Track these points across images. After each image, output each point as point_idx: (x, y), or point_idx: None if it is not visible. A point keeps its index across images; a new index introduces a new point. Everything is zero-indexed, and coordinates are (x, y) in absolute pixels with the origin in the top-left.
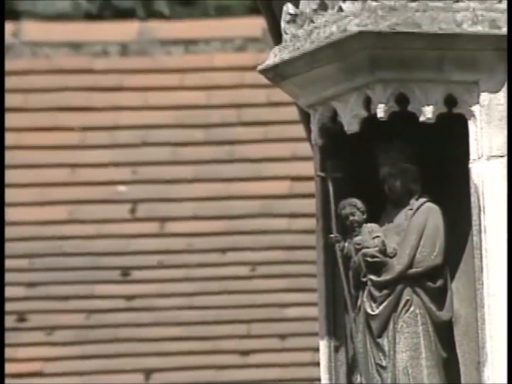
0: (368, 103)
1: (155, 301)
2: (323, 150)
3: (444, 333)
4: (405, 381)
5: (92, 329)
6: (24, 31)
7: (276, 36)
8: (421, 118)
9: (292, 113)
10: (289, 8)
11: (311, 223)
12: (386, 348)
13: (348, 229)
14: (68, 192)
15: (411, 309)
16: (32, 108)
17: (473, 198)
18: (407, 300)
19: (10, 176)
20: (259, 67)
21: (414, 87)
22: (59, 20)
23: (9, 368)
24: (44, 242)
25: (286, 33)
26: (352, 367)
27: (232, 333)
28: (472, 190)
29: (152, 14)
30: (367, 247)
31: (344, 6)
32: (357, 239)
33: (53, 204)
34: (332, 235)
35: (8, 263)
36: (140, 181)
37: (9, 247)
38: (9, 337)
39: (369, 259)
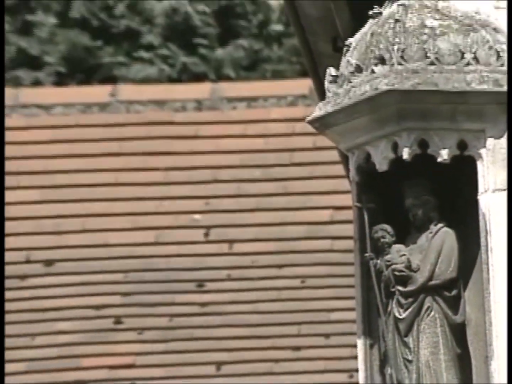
0: (395, 147)
1: (224, 307)
2: (359, 185)
3: (458, 333)
4: (427, 372)
5: (174, 330)
6: (120, 92)
7: (321, 93)
8: (439, 159)
9: (334, 155)
10: (331, 71)
11: (350, 244)
12: (411, 346)
13: (380, 249)
14: (155, 220)
15: (431, 314)
16: (126, 153)
17: (481, 224)
18: (428, 307)
19: (111, 207)
20: (307, 119)
21: (432, 134)
22: (147, 83)
23: (107, 361)
24: (136, 260)
25: (329, 91)
26: (383, 361)
27: (286, 333)
28: (480, 217)
29: (221, 77)
30: (396, 264)
31: (376, 69)
32: (387, 257)
33: (143, 229)
34: (367, 254)
35: (107, 277)
36: (212, 210)
37: (108, 265)
38: (108, 336)
39: (397, 273)
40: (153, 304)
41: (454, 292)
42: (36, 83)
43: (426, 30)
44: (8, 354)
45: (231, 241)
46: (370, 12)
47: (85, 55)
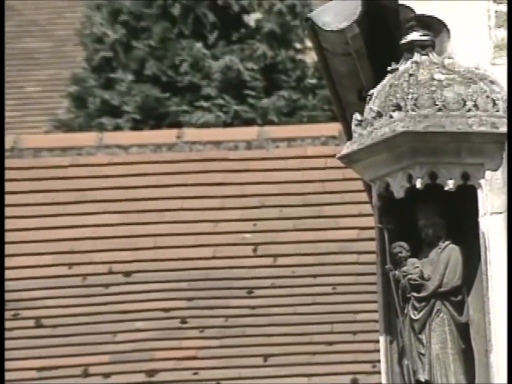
0: (410, 178)
1: (270, 310)
2: (380, 210)
3: (463, 331)
4: (437, 364)
5: (229, 328)
6: (185, 134)
7: (348, 135)
8: (446, 188)
9: (359, 185)
10: (357, 116)
11: (373, 258)
12: (424, 342)
13: (397, 262)
14: (213, 239)
15: (441, 315)
16: (189, 183)
17: (481, 241)
18: (438, 309)
19: (177, 228)
20: (337, 155)
21: (441, 168)
22: (206, 127)
23: (175, 354)
24: (197, 271)
25: (355, 133)
26: (401, 354)
27: (321, 331)
28: (481, 236)
29: (266, 122)
30: (411, 274)
31: (393, 114)
32: (404, 269)
33: (203, 246)
34: (387, 266)
35: (174, 285)
36: (260, 230)
37: (175, 275)
38: (175, 334)
39: (412, 282)
40: (212, 307)
41: (459, 297)
42: (117, 128)
43: (435, 82)
44: (94, 348)
45: (275, 256)
46: (389, 68)
47: (156, 105)
